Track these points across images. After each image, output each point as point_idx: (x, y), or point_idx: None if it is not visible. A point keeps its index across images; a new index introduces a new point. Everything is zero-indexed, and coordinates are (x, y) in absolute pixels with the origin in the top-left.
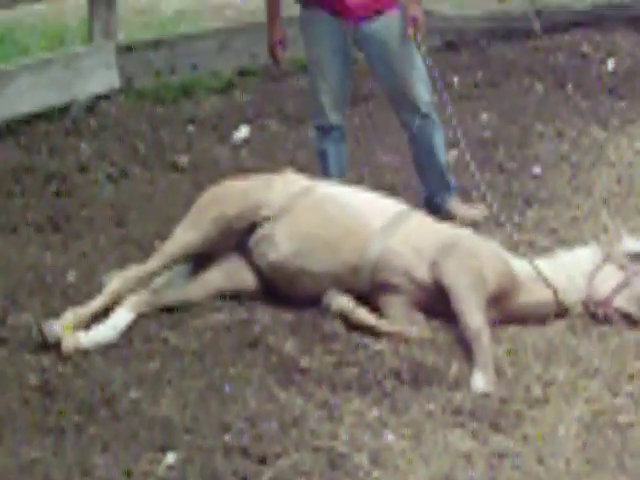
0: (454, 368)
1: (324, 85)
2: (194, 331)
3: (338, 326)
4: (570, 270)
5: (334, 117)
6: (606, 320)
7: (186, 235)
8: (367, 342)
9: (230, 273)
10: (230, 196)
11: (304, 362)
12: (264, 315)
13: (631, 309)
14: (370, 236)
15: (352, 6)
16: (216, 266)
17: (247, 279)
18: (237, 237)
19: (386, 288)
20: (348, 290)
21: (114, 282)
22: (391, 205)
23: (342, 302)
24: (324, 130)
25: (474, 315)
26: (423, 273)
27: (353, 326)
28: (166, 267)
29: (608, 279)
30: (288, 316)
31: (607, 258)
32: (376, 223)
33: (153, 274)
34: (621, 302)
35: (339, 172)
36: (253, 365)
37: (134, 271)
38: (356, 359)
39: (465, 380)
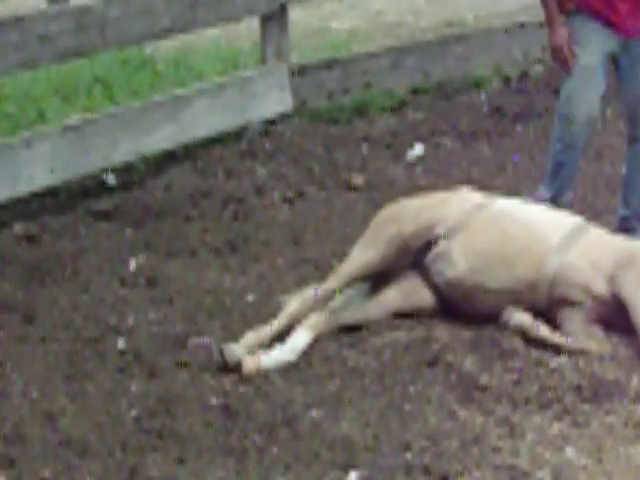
0: (635, 382)
1: (597, 93)
2: (373, 350)
3: (517, 343)
4: None
5: (587, 130)
6: None
7: (363, 255)
8: (547, 358)
9: (407, 292)
10: (406, 214)
11: (484, 379)
12: (442, 333)
13: None
14: (547, 251)
15: (628, 19)
16: (393, 285)
17: (425, 297)
18: (414, 255)
19: (564, 303)
20: (526, 306)
21: (293, 303)
22: (567, 219)
23: (521, 318)
24: (573, 145)
25: None
26: (601, 287)
27: (533, 342)
28: (344, 287)
29: None
30: (467, 333)
31: None
32: (553, 238)
33: (331, 294)
34: None
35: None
36: (433, 383)
37: (312, 292)
38: (536, 375)
39: None
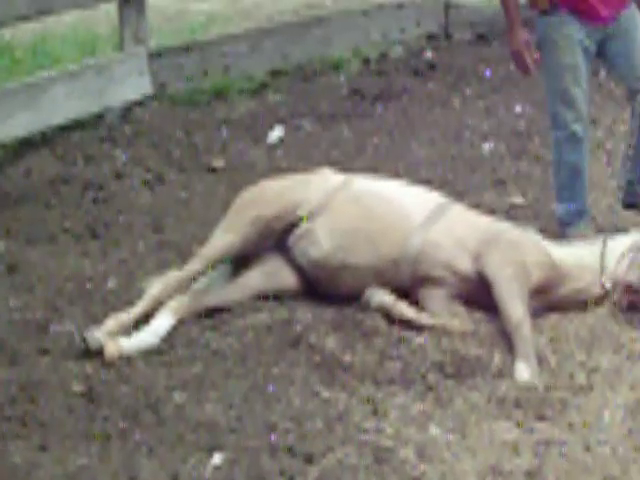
0: (497, 359)
1: (579, 92)
2: (236, 332)
3: (380, 322)
4: (609, 258)
5: (583, 126)
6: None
7: (224, 237)
8: (409, 336)
9: (270, 273)
10: (267, 196)
11: (347, 359)
12: (305, 314)
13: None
14: (411, 229)
15: (602, 8)
16: (255, 267)
17: (287, 279)
18: (276, 237)
19: (427, 281)
20: (389, 284)
21: (154, 287)
22: (431, 197)
23: (383, 297)
24: (576, 140)
25: (515, 306)
26: (465, 265)
27: (394, 321)
28: (205, 270)
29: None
30: (329, 314)
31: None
32: (417, 216)
33: (192, 278)
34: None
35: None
36: (296, 364)
37: (173, 275)
38: (399, 354)
39: (508, 370)
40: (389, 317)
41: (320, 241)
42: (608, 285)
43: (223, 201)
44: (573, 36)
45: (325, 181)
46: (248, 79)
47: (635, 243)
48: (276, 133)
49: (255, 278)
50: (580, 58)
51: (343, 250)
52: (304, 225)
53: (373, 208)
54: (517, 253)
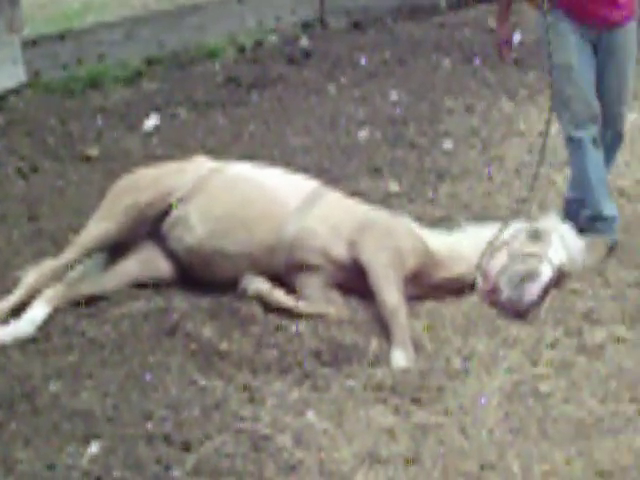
0: (374, 345)
1: (574, 92)
2: (112, 321)
3: (256, 309)
4: (481, 246)
5: (591, 126)
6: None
7: (99, 225)
8: (286, 324)
9: (145, 261)
10: (142, 184)
11: (223, 346)
12: (181, 302)
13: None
14: (286, 215)
15: (596, 13)
16: (131, 255)
17: (163, 266)
18: (151, 224)
19: (303, 268)
20: (265, 272)
21: (29, 276)
22: (306, 184)
23: (259, 285)
24: (574, 143)
25: (391, 292)
26: (340, 251)
27: (271, 308)
28: (81, 259)
29: (498, 262)
30: (205, 302)
31: (511, 238)
32: (291, 202)
33: (68, 266)
34: (499, 282)
35: (602, 180)
36: (172, 352)
37: (49, 264)
38: (275, 341)
39: (385, 357)
40: (266, 305)
41: (194, 227)
42: (479, 280)
43: (98, 190)
44: (568, 36)
45: (200, 168)
46: (123, 67)
47: (509, 237)
48: (151, 121)
49: (131, 266)
50: (575, 58)
51: (217, 236)
52: (178, 211)
53: (248, 194)
54: (391, 240)
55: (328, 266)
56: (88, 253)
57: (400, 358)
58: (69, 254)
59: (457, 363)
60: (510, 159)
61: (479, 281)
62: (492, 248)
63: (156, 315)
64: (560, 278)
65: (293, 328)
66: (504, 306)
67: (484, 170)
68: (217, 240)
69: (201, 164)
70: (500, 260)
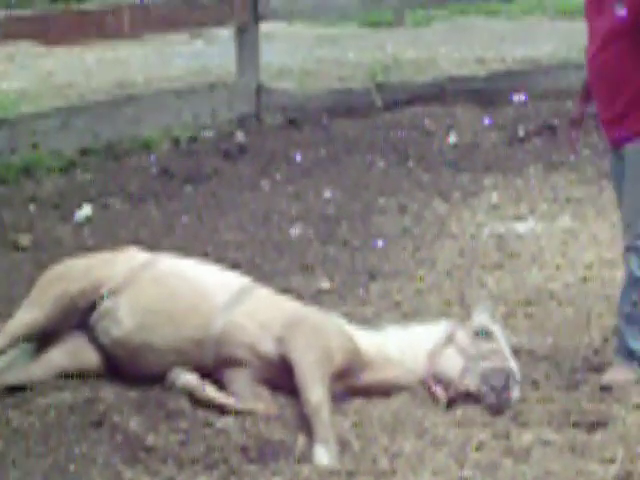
0: (300, 442)
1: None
2: (38, 411)
3: (184, 403)
4: (414, 347)
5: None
6: (453, 399)
7: (28, 314)
8: (213, 419)
9: (73, 352)
10: (72, 274)
11: (149, 440)
12: (108, 393)
13: (479, 388)
14: (214, 310)
15: (609, 129)
16: (59, 345)
17: (90, 358)
18: (80, 315)
19: (231, 363)
20: (193, 365)
21: None
22: (235, 279)
23: (187, 378)
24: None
25: (315, 390)
26: (268, 347)
27: (199, 403)
28: (8, 347)
29: (452, 362)
30: (133, 394)
31: (451, 338)
32: (220, 297)
33: None
34: (469, 383)
35: None
36: (98, 444)
37: None
38: (202, 436)
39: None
40: (193, 398)
41: (122, 320)
42: (436, 389)
43: (28, 279)
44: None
45: (130, 259)
46: (57, 157)
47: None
48: (84, 212)
49: (58, 356)
50: (615, 173)
51: (146, 330)
52: (106, 303)
53: (176, 288)
54: (320, 337)
55: (256, 362)
56: (15, 342)
57: (322, 455)
58: None
59: (384, 462)
60: (441, 260)
61: (435, 389)
62: (434, 352)
63: (83, 406)
64: None
65: (220, 423)
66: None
67: (415, 270)
68: (145, 334)
69: (132, 256)
70: (453, 363)
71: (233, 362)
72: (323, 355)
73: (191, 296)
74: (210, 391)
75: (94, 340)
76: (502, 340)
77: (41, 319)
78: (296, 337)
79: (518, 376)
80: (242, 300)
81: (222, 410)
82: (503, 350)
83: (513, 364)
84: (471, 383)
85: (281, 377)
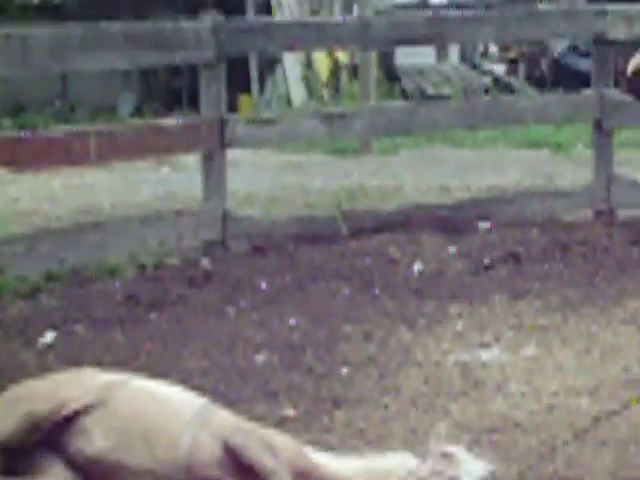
0: None
1: None
2: None
3: None
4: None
5: None
6: None
7: None
8: None
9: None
10: (35, 395)
11: None
12: None
13: None
14: (181, 428)
15: None
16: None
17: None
18: (47, 435)
19: None
20: None
21: None
22: (196, 398)
23: None
24: None
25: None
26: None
27: None
28: None
29: None
30: None
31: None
32: (186, 414)
33: None
34: None
35: None
36: None
37: None
38: None
39: None
40: None
41: (96, 440)
42: None
43: None
44: None
45: (93, 379)
46: (22, 282)
47: None
48: (48, 337)
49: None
50: None
51: (119, 449)
52: (79, 423)
53: (147, 408)
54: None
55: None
56: None
57: None
58: None
59: None
60: (406, 388)
61: None
62: None
63: None
64: None
65: None
66: None
67: (380, 398)
68: (119, 454)
69: (93, 375)
70: None
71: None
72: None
73: (162, 416)
74: None
75: (66, 460)
76: (463, 460)
77: (3, 440)
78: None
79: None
80: (204, 417)
81: None
82: (457, 468)
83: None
84: None
85: None
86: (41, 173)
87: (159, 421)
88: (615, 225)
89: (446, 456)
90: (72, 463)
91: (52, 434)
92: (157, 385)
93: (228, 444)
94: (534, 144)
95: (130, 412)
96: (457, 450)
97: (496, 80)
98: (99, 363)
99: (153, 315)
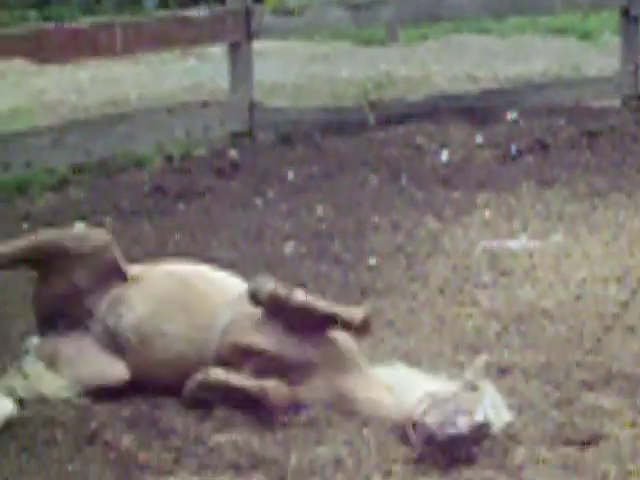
0: (293, 460)
1: None
2: (29, 428)
3: (176, 421)
4: (412, 389)
5: None
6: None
7: None
8: (205, 437)
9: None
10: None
11: (142, 457)
12: (101, 410)
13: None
14: (224, 303)
15: None
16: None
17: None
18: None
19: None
20: (196, 357)
21: None
22: (240, 281)
23: (217, 372)
24: None
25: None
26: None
27: (193, 419)
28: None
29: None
30: (125, 411)
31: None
32: (230, 293)
33: None
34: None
35: None
36: (91, 461)
37: None
38: (195, 454)
39: (307, 468)
40: (186, 415)
41: (135, 307)
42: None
43: (22, 296)
44: None
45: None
46: (50, 174)
47: None
48: (77, 229)
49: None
50: None
51: (158, 317)
52: (118, 291)
53: (190, 279)
54: None
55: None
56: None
57: None
58: None
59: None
60: (434, 277)
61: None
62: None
63: (75, 423)
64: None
65: (213, 441)
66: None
67: (408, 288)
68: (157, 320)
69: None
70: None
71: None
72: None
73: (207, 290)
74: (240, 379)
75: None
76: (488, 395)
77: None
78: None
79: (474, 419)
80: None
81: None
82: (479, 401)
83: (480, 411)
84: (432, 420)
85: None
86: (67, 65)
87: (203, 294)
88: None
89: (473, 388)
90: (110, 334)
91: (90, 301)
92: (207, 267)
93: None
94: (561, 32)
95: (174, 284)
96: (486, 386)
97: None
98: (126, 254)
99: (181, 206)
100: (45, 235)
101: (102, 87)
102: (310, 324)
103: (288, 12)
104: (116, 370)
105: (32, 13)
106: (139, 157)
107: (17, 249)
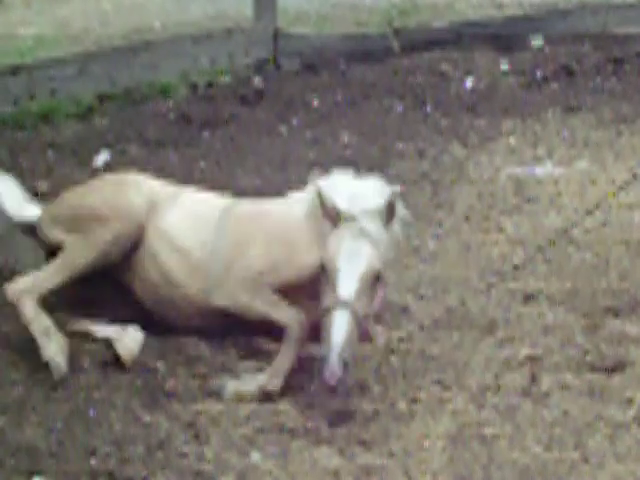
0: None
1: None
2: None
3: (203, 348)
4: None
5: None
6: None
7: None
8: (231, 364)
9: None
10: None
11: (169, 385)
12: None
13: None
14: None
15: None
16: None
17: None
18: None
19: None
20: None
21: None
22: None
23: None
24: None
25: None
26: None
27: (217, 348)
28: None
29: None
30: (152, 339)
31: None
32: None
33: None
34: None
35: None
36: (118, 388)
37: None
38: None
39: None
40: (212, 343)
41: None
42: None
43: None
44: None
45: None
46: (75, 103)
47: None
48: (102, 157)
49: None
50: None
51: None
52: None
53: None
54: None
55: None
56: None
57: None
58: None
59: (402, 405)
60: (460, 204)
61: None
62: None
63: (101, 350)
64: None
65: (238, 368)
66: None
67: (434, 214)
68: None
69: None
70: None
71: None
72: None
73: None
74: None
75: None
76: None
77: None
78: None
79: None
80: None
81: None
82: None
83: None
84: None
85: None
86: None
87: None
88: None
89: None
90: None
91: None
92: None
93: None
94: None
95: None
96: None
97: None
98: None
99: (206, 134)
100: None
101: (126, 15)
102: None
103: None
104: None
105: None
106: (164, 86)
107: None
